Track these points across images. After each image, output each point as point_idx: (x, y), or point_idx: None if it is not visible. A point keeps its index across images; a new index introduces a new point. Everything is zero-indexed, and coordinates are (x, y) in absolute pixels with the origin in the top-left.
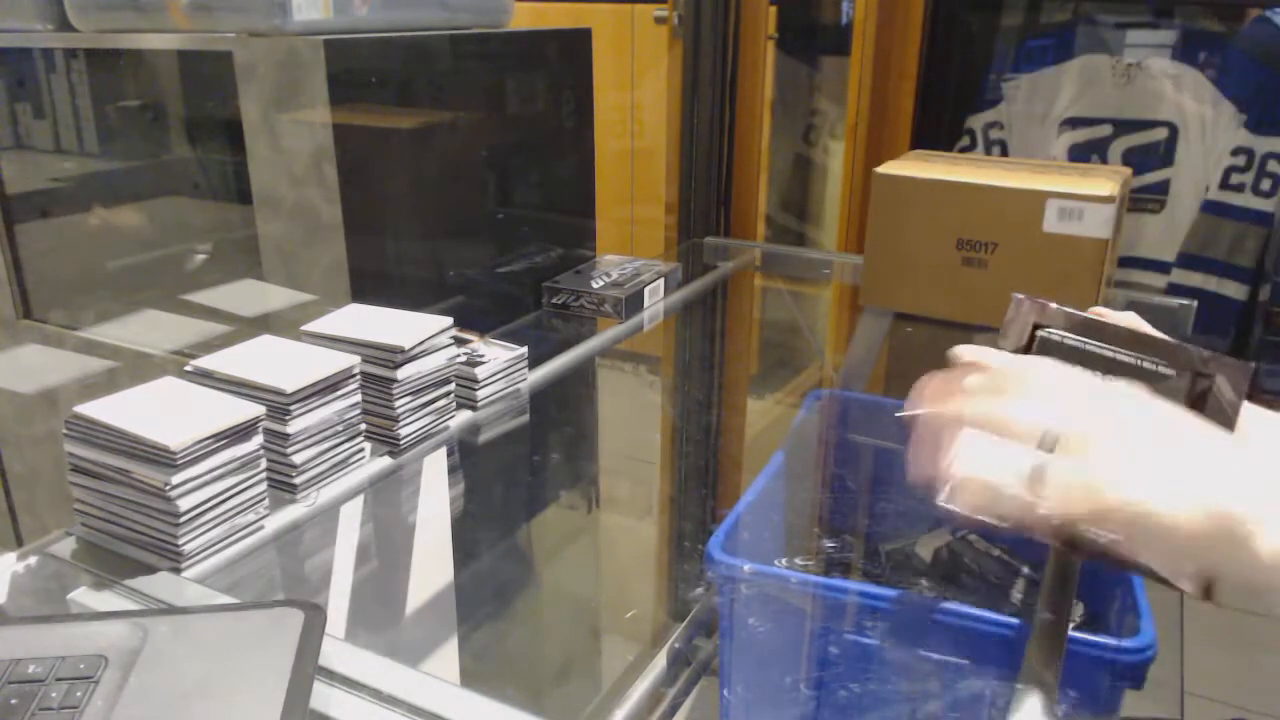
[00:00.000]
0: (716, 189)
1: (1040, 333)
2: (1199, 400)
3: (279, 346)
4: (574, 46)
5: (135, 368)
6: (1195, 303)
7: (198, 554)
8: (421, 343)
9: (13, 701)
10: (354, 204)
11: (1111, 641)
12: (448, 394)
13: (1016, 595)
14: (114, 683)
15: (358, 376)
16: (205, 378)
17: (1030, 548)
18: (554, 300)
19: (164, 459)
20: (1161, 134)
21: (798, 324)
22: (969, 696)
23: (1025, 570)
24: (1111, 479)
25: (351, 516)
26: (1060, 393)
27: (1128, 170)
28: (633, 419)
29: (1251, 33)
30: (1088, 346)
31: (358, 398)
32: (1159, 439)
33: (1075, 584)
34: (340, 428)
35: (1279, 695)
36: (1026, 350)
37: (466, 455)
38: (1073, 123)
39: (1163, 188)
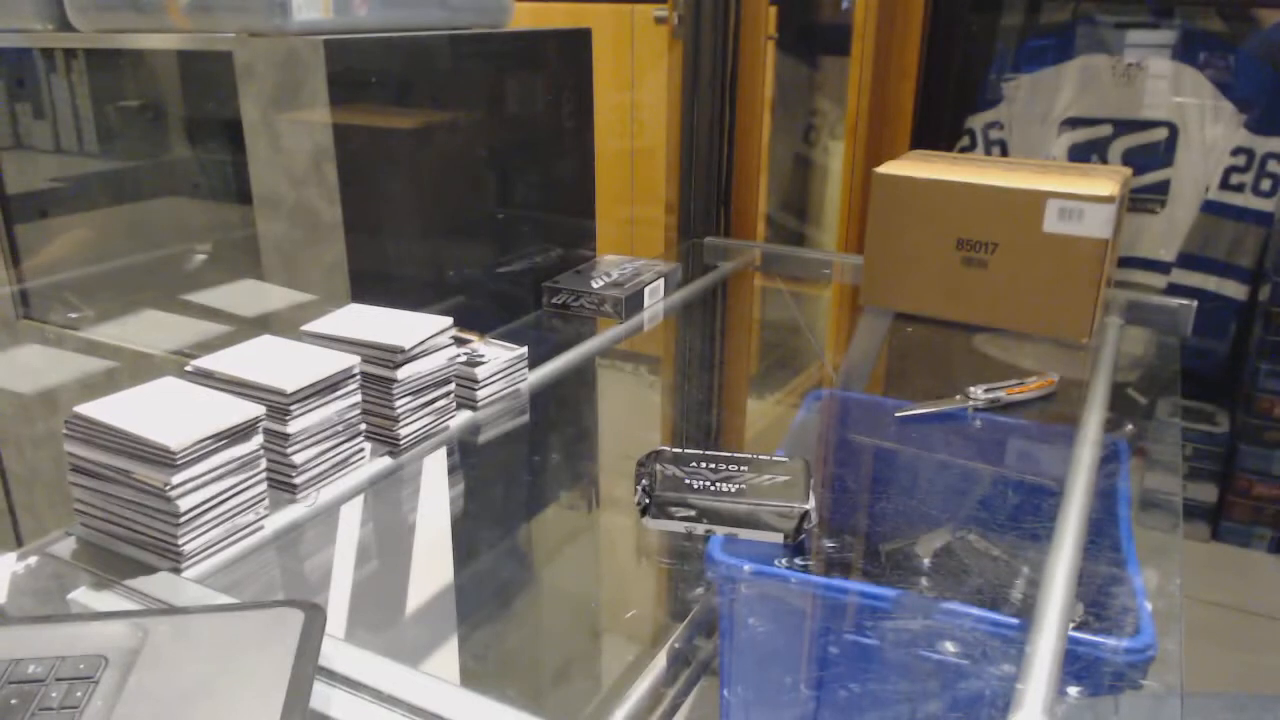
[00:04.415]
0: (716, 189)
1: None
2: None
3: (279, 346)
4: (574, 46)
5: (135, 368)
6: (1195, 303)
7: (198, 554)
8: (421, 343)
9: (13, 701)
10: (354, 204)
11: (1111, 641)
12: (448, 394)
13: (1016, 595)
14: (114, 683)
15: (358, 376)
16: (205, 378)
17: (1031, 547)
18: (554, 300)
19: (164, 459)
20: (1161, 134)
21: (798, 324)
22: (969, 696)
23: (1025, 570)
24: None
25: (351, 516)
26: None
27: (1128, 170)
28: (633, 419)
29: (1251, 33)
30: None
31: (358, 398)
32: None
33: None
34: (340, 428)
35: (1278, 695)
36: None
37: (466, 455)
38: (1073, 123)
39: (1163, 188)
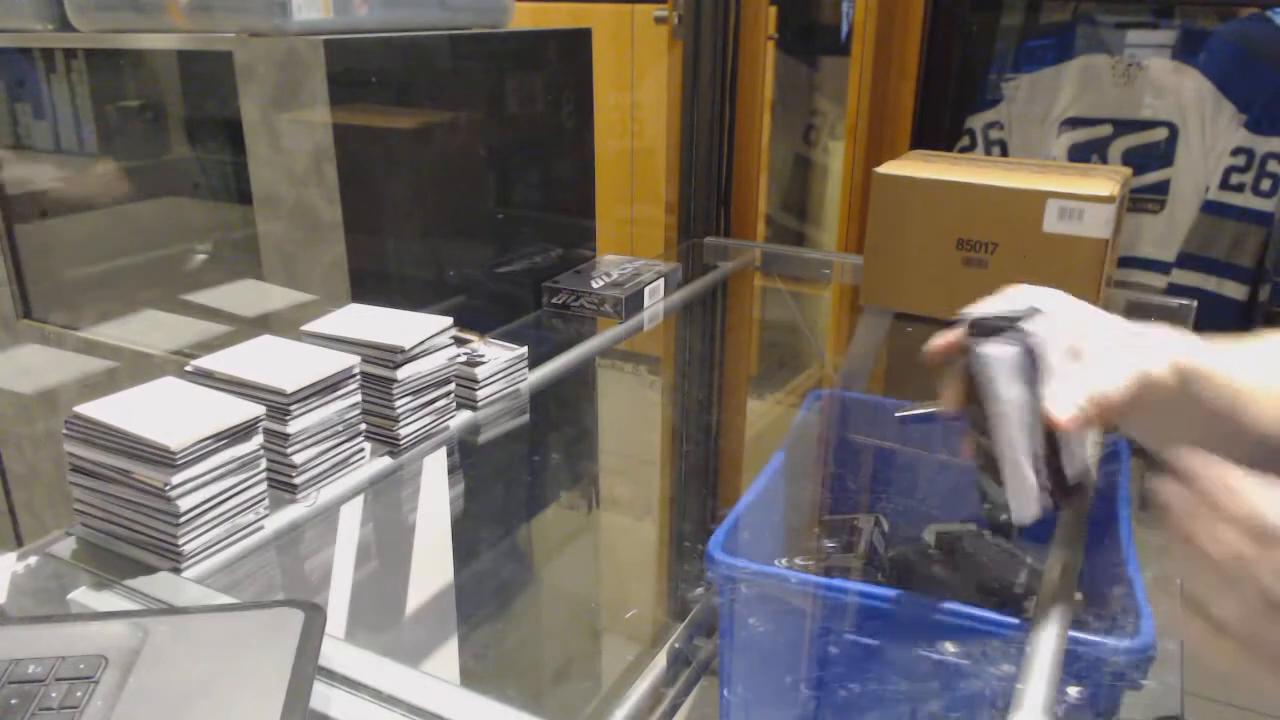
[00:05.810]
0: (716, 189)
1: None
2: None
3: (279, 346)
4: (574, 46)
5: (135, 368)
6: (1195, 303)
7: (198, 554)
8: (421, 343)
9: (13, 701)
10: (354, 204)
11: (1111, 641)
12: (448, 394)
13: (1019, 587)
14: (114, 683)
15: (358, 376)
16: (205, 378)
17: (1031, 548)
18: (554, 300)
19: (164, 459)
20: (1161, 134)
21: (798, 324)
22: (969, 696)
23: (1029, 560)
24: None
25: (351, 516)
26: None
27: (1128, 170)
28: (633, 419)
29: (1251, 32)
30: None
31: (358, 398)
32: None
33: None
34: (340, 428)
35: (1278, 696)
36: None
37: (466, 455)
38: (1073, 123)
39: (1163, 188)
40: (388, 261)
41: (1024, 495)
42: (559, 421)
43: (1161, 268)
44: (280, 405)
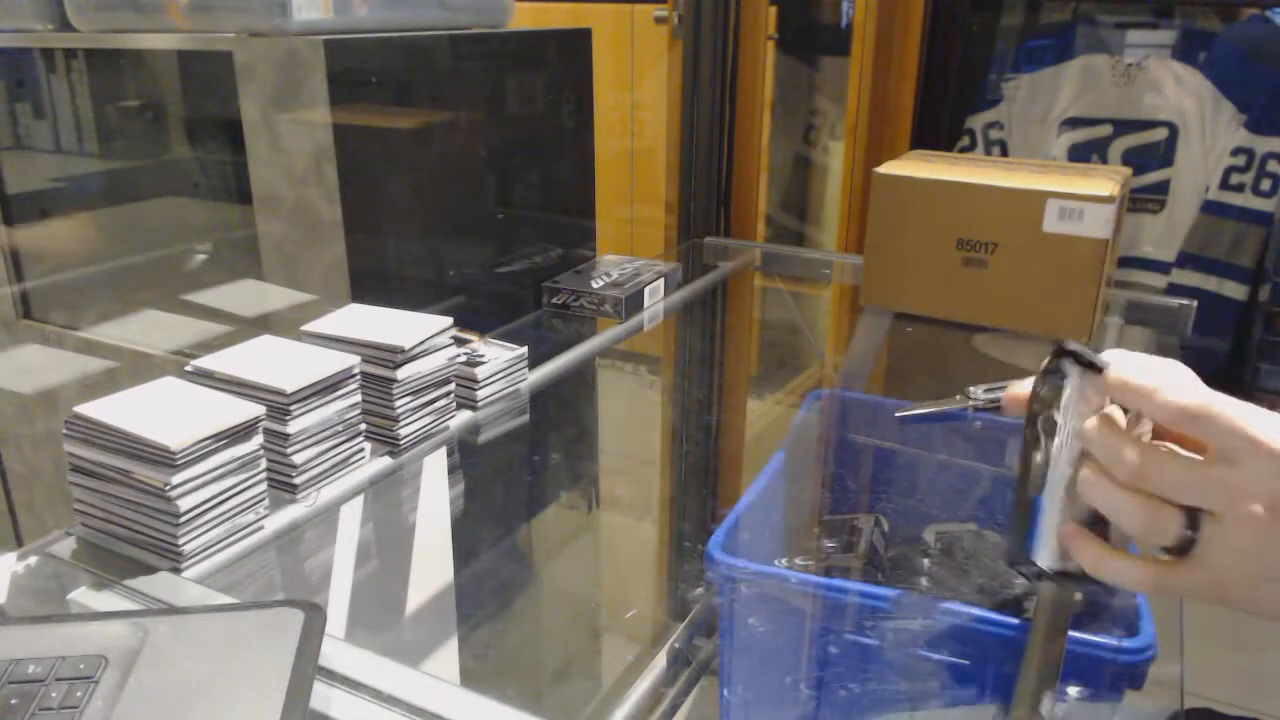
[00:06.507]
0: (716, 189)
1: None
2: None
3: (279, 346)
4: (574, 46)
5: (135, 368)
6: (1195, 303)
7: (198, 554)
8: (421, 343)
9: (13, 701)
10: (354, 204)
11: (1111, 641)
12: (448, 394)
13: (1019, 587)
14: (114, 683)
15: (358, 376)
16: (205, 378)
17: None
18: (554, 300)
19: (164, 459)
20: (1161, 134)
21: (798, 324)
22: (969, 696)
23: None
24: None
25: (351, 516)
26: None
27: (1128, 170)
28: (633, 419)
29: (1251, 32)
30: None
31: (358, 398)
32: None
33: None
34: (340, 428)
35: (1279, 695)
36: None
37: (466, 455)
38: (1073, 123)
39: (1163, 188)
40: (388, 261)
41: (1048, 542)
42: (559, 421)
43: (1161, 268)
44: (280, 405)
